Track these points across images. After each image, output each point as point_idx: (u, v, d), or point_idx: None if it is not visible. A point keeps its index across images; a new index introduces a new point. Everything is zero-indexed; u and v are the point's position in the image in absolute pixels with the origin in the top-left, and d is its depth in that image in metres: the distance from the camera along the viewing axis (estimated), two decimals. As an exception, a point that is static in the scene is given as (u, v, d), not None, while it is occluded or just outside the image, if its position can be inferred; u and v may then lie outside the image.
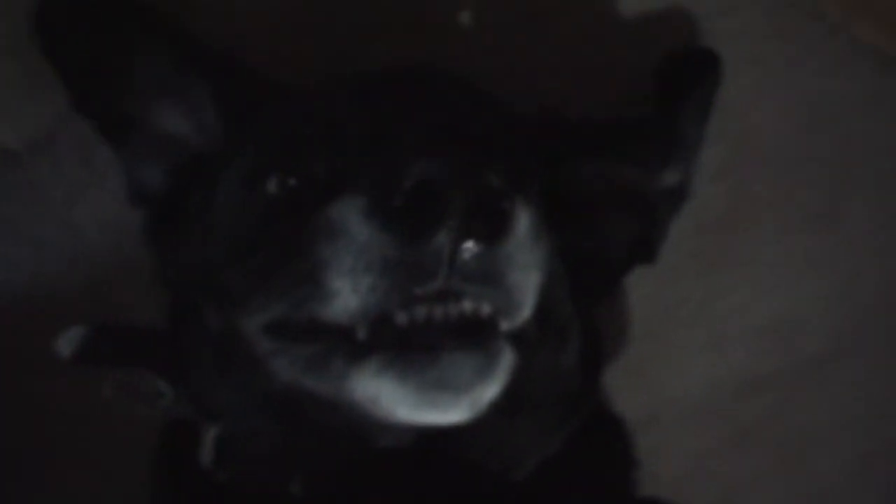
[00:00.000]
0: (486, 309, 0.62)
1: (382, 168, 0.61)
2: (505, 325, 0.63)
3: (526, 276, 0.63)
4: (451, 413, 0.62)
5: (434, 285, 0.60)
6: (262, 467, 0.71)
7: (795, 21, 0.85)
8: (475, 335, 0.62)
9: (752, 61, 0.86)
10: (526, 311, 0.64)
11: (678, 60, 0.84)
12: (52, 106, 0.80)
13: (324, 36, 0.84)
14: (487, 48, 0.84)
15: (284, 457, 0.71)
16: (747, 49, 0.86)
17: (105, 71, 0.78)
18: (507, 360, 0.63)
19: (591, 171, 0.80)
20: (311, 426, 0.68)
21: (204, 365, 0.73)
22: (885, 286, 0.94)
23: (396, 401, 0.62)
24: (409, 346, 0.61)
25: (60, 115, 0.80)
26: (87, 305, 0.87)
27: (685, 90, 0.82)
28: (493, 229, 0.60)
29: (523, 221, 0.62)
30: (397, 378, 0.61)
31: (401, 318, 0.61)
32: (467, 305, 0.62)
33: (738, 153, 0.88)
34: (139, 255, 0.80)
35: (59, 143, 0.85)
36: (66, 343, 0.78)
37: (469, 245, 0.59)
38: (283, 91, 0.78)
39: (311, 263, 0.63)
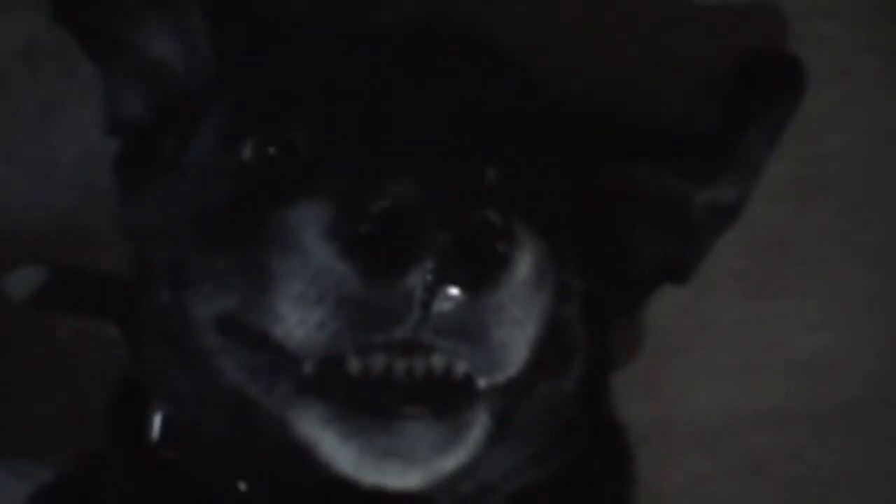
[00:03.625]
0: (460, 367, 0.53)
1: (359, 175, 0.52)
2: (483, 383, 0.55)
3: (517, 332, 0.53)
4: (399, 482, 0.54)
5: (398, 334, 0.51)
6: (209, 458, 0.65)
7: (900, 36, 0.76)
8: (442, 401, 0.53)
9: (840, 73, 0.77)
10: (512, 369, 0.55)
11: (757, 63, 0.74)
12: (36, 11, 0.74)
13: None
14: (540, 12, 0.76)
15: (232, 455, 0.64)
16: (838, 60, 0.77)
17: None
18: (479, 430, 0.55)
19: (633, 177, 0.71)
20: (257, 433, 0.61)
21: (154, 340, 0.67)
22: (944, 339, 0.88)
23: (336, 458, 0.54)
24: (360, 403, 0.53)
25: (44, 22, 0.73)
26: (53, 229, 0.81)
27: (760, 102, 0.72)
28: (482, 275, 0.50)
29: (523, 266, 0.52)
30: (341, 436, 0.54)
31: (354, 365, 0.53)
32: (437, 362, 0.53)
33: (807, 175, 0.80)
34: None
35: (39, 52, 0.79)
36: (19, 283, 0.73)
37: (449, 292, 0.50)
38: (285, 34, 0.69)
39: (263, 272, 0.54)
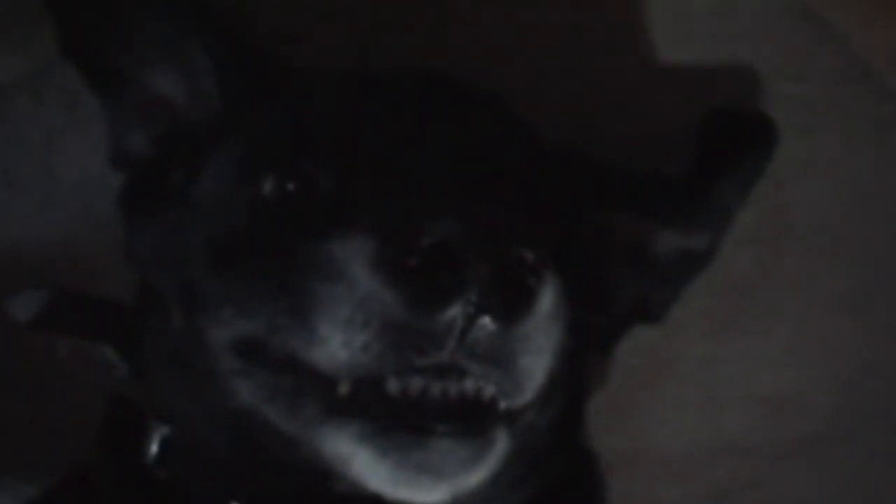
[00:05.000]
0: (488, 390, 0.57)
1: (401, 212, 0.55)
2: (503, 406, 0.58)
3: (539, 359, 0.57)
4: (427, 496, 0.57)
5: (437, 359, 0.55)
6: (205, 479, 0.67)
7: (864, 99, 0.79)
8: (472, 421, 0.57)
9: (806, 130, 0.80)
10: (530, 394, 0.58)
11: (730, 120, 0.77)
12: (46, 43, 0.75)
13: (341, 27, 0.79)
14: (522, 67, 0.79)
15: (230, 474, 0.66)
16: (805, 119, 0.80)
17: (97, 18, 0.72)
18: (500, 449, 0.58)
19: (611, 221, 0.75)
20: (264, 453, 0.63)
21: (160, 363, 0.69)
22: (897, 379, 0.90)
23: (370, 474, 0.57)
24: (397, 422, 0.56)
25: (51, 54, 0.74)
26: (52, 253, 0.83)
27: (733, 156, 0.76)
28: (514, 307, 0.54)
29: (547, 300, 0.56)
30: (377, 452, 0.56)
31: (393, 386, 0.56)
32: (469, 385, 0.56)
33: (772, 223, 0.84)
34: (114, 216, 0.75)
35: (45, 82, 0.81)
36: (23, 305, 0.74)
37: (485, 322, 0.54)
38: (295, 77, 0.72)
39: (301, 298, 0.57)
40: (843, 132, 0.82)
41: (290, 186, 0.63)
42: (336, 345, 0.55)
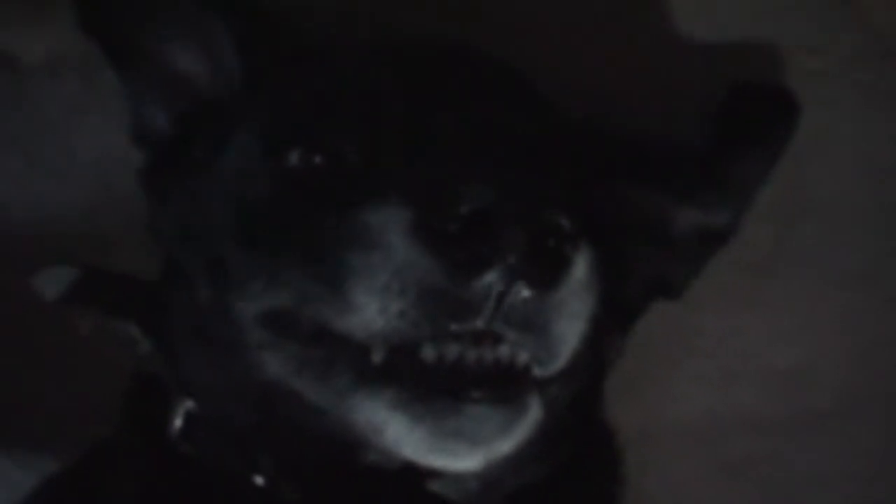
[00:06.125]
0: (522, 357, 0.57)
1: (435, 181, 0.56)
2: (536, 373, 0.59)
3: (572, 326, 0.58)
4: (462, 463, 0.58)
5: (473, 325, 0.55)
6: (229, 452, 0.68)
7: (883, 75, 0.79)
8: (506, 387, 0.57)
9: (826, 106, 0.80)
10: (563, 361, 0.59)
11: (751, 95, 0.77)
12: (66, 21, 0.75)
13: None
14: (543, 41, 0.79)
15: (255, 448, 0.67)
16: (824, 92, 0.80)
17: None
18: (533, 416, 0.59)
19: (632, 197, 0.75)
20: (290, 426, 0.64)
21: (186, 337, 0.69)
22: (914, 354, 0.90)
23: (404, 440, 0.58)
24: (433, 388, 0.56)
25: (72, 32, 0.74)
26: (71, 231, 0.84)
27: (755, 132, 0.76)
28: (550, 274, 0.55)
29: (581, 267, 0.57)
30: (412, 419, 0.57)
31: (428, 353, 0.56)
32: (504, 352, 0.57)
33: (792, 199, 0.84)
34: (135, 193, 0.76)
35: (66, 61, 0.81)
36: (50, 281, 0.74)
37: (521, 288, 0.54)
38: (316, 50, 0.72)
39: (334, 267, 0.57)
40: (863, 108, 0.82)
41: (317, 159, 0.63)
42: (372, 312, 0.56)
